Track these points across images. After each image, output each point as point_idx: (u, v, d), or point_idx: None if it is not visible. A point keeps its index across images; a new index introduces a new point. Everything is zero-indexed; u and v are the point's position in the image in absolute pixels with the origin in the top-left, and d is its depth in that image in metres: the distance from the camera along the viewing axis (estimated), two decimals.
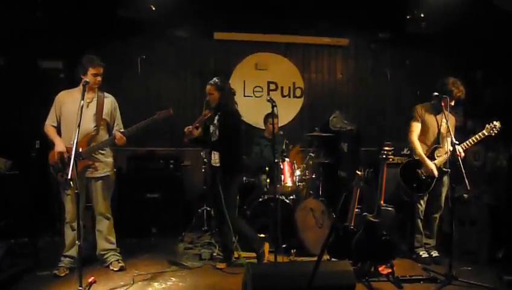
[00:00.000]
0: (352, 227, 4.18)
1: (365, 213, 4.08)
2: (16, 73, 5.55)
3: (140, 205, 5.23)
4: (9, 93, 5.43)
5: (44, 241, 4.94)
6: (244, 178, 5.18)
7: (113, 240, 4.22)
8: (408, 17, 5.83)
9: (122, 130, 4.03)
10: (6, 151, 4.89)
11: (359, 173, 4.20)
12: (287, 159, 4.93)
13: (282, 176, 4.87)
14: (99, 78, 3.99)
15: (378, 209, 4.05)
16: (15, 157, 4.99)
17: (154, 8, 5.50)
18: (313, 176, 5.09)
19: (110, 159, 4.14)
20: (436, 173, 4.30)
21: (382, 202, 4.05)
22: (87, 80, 3.85)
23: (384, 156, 4.02)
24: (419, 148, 4.39)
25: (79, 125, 3.44)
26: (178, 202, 5.31)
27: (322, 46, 6.35)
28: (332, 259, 4.20)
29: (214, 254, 4.55)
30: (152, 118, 4.02)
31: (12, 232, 4.51)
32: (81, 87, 3.89)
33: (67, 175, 3.26)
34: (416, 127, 4.46)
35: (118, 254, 4.23)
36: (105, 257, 4.18)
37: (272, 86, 6.25)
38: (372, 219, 4.03)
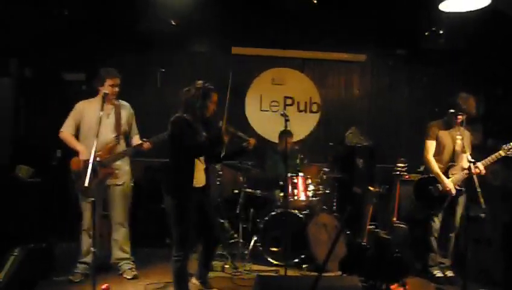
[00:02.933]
0: (364, 243, 4.17)
1: (377, 230, 4.07)
2: (40, 84, 5.76)
3: (155, 216, 5.31)
4: (34, 103, 5.64)
5: (61, 248, 5.04)
6: (258, 191, 5.22)
7: (128, 249, 4.31)
8: (426, 33, 5.83)
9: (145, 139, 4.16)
10: (29, 160, 5.05)
11: (372, 189, 4.20)
12: (300, 174, 4.95)
13: (296, 191, 4.88)
14: (116, 89, 4.13)
15: (390, 226, 4.03)
16: (37, 165, 5.13)
17: (174, 23, 5.66)
18: (327, 191, 5.09)
19: (128, 168, 4.26)
20: (453, 191, 4.25)
21: (395, 219, 4.04)
22: (106, 91, 3.98)
23: (397, 173, 4.02)
24: (436, 167, 4.35)
25: (97, 135, 3.54)
26: None
27: (339, 62, 6.38)
28: (344, 275, 4.18)
29: (226, 266, 4.59)
30: (167, 132, 4.06)
31: (31, 238, 4.63)
32: (99, 97, 4.04)
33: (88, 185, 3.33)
34: (431, 145, 4.43)
35: (132, 263, 4.31)
36: (119, 265, 4.27)
37: (289, 101, 6.30)
38: (384, 236, 4.01)
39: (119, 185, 4.15)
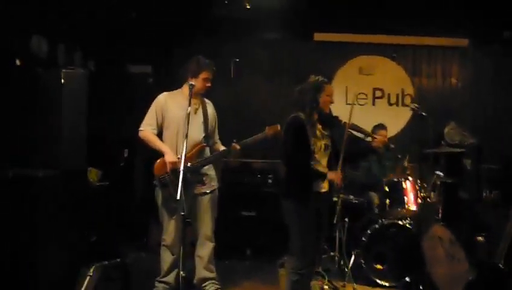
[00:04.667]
0: (502, 266, 3.41)
1: None
2: (104, 78, 5.24)
3: (234, 224, 4.74)
4: (98, 100, 5.10)
5: (131, 258, 4.54)
6: (351, 196, 4.58)
7: (214, 268, 3.69)
8: None
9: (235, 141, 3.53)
10: (95, 161, 4.53)
11: None
12: (410, 178, 4.21)
13: (406, 198, 4.16)
14: (209, 84, 3.52)
15: None
16: (103, 166, 4.63)
17: (249, 7, 5.05)
18: (439, 198, 4.32)
19: (214, 173, 3.66)
20: None
21: None
22: (193, 83, 3.38)
23: None
24: None
25: (187, 136, 3.01)
26: (277, 221, 4.71)
27: (435, 48, 5.60)
28: None
29: (325, 287, 3.93)
30: (262, 133, 3.45)
31: (102, 249, 4.16)
32: (184, 90, 3.50)
33: (176, 195, 2.83)
34: None
35: (217, 283, 3.69)
36: (203, 285, 3.66)
37: (378, 93, 5.60)
38: None
39: (208, 193, 3.55)
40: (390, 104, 5.63)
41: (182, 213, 2.94)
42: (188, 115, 3.11)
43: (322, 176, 3.14)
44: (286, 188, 3.20)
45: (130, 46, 5.27)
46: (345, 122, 3.26)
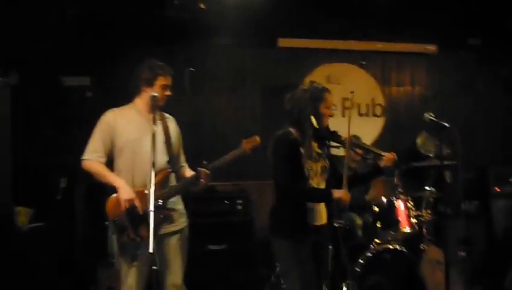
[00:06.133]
0: None
1: None
2: (33, 93, 4.34)
3: (201, 260, 4.04)
4: (26, 120, 4.19)
5: None
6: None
7: None
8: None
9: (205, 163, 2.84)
10: (25, 195, 3.64)
11: None
12: (401, 196, 3.77)
13: (399, 219, 3.70)
14: (168, 92, 2.85)
15: None
16: (36, 202, 3.75)
17: (203, 7, 4.43)
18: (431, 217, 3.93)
19: (182, 207, 2.96)
20: None
21: None
22: (155, 94, 2.70)
23: None
24: None
25: (154, 164, 2.34)
26: (249, 255, 4.15)
27: (404, 55, 5.31)
28: None
29: None
30: (239, 149, 2.79)
31: None
32: (138, 104, 2.85)
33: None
34: None
35: None
36: None
37: (347, 103, 5.12)
38: None
39: (176, 232, 2.85)
40: (361, 115, 5.23)
41: (154, 268, 2.26)
42: (153, 136, 2.43)
43: (327, 196, 2.61)
44: (277, 223, 2.68)
45: (64, 54, 4.41)
46: (345, 138, 2.74)
